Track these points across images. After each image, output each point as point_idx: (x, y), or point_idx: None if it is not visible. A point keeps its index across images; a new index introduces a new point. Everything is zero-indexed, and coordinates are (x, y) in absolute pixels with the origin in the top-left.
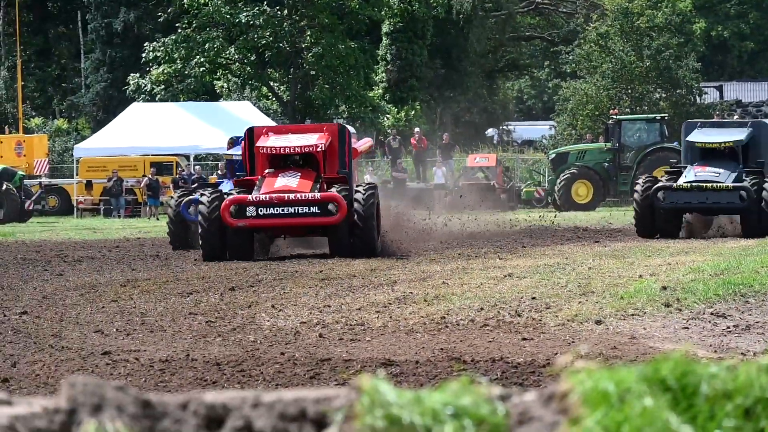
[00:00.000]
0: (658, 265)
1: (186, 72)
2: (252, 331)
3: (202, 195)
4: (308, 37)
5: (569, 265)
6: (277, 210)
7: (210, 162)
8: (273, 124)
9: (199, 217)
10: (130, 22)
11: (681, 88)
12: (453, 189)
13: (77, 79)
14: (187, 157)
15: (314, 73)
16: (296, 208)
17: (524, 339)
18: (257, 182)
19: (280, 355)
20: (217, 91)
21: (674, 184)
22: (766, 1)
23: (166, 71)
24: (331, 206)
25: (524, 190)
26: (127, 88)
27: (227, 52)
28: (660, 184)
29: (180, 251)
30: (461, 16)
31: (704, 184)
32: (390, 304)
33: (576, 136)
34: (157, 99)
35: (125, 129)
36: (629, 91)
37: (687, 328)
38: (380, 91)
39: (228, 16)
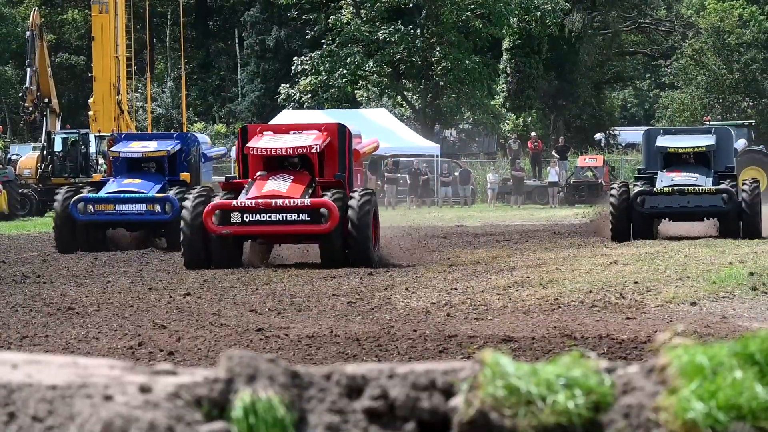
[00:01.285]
0: (746, 254)
1: (330, 83)
2: (388, 311)
3: (185, 198)
4: (438, 53)
5: (667, 254)
6: (263, 217)
7: None
8: (407, 129)
9: (182, 223)
10: (281, 38)
11: (767, 98)
12: (565, 186)
13: (234, 88)
14: None
15: (443, 84)
16: (284, 214)
17: (628, 318)
18: (246, 186)
19: (412, 332)
20: (358, 99)
21: (654, 189)
22: None
23: (312, 82)
24: (322, 213)
25: None
26: (278, 97)
27: (366, 65)
28: (639, 189)
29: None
30: (573, 34)
31: (685, 188)
32: (509, 287)
33: None
34: (304, 106)
35: None
36: (720, 100)
37: None
38: (501, 99)
39: (367, 34)
